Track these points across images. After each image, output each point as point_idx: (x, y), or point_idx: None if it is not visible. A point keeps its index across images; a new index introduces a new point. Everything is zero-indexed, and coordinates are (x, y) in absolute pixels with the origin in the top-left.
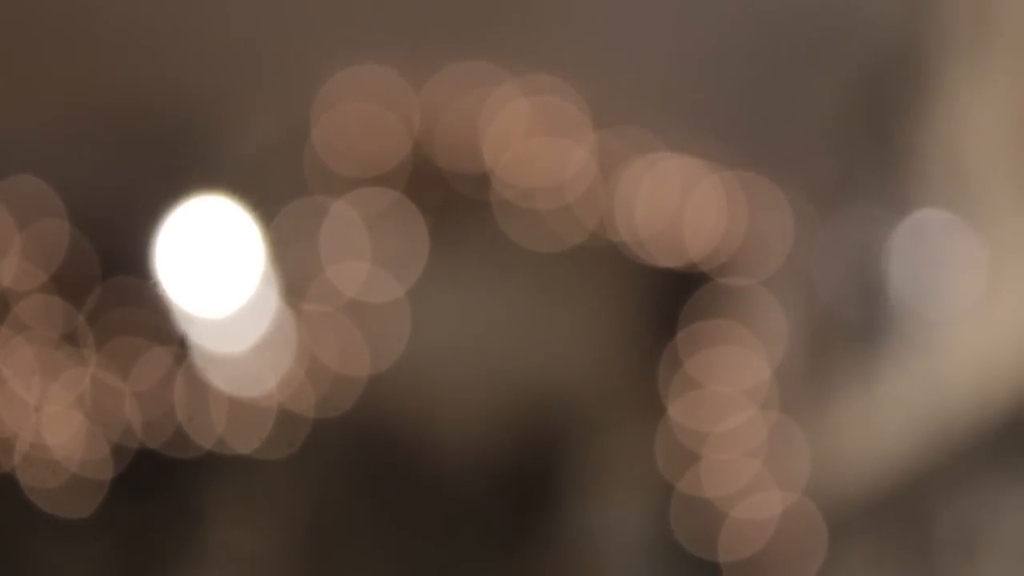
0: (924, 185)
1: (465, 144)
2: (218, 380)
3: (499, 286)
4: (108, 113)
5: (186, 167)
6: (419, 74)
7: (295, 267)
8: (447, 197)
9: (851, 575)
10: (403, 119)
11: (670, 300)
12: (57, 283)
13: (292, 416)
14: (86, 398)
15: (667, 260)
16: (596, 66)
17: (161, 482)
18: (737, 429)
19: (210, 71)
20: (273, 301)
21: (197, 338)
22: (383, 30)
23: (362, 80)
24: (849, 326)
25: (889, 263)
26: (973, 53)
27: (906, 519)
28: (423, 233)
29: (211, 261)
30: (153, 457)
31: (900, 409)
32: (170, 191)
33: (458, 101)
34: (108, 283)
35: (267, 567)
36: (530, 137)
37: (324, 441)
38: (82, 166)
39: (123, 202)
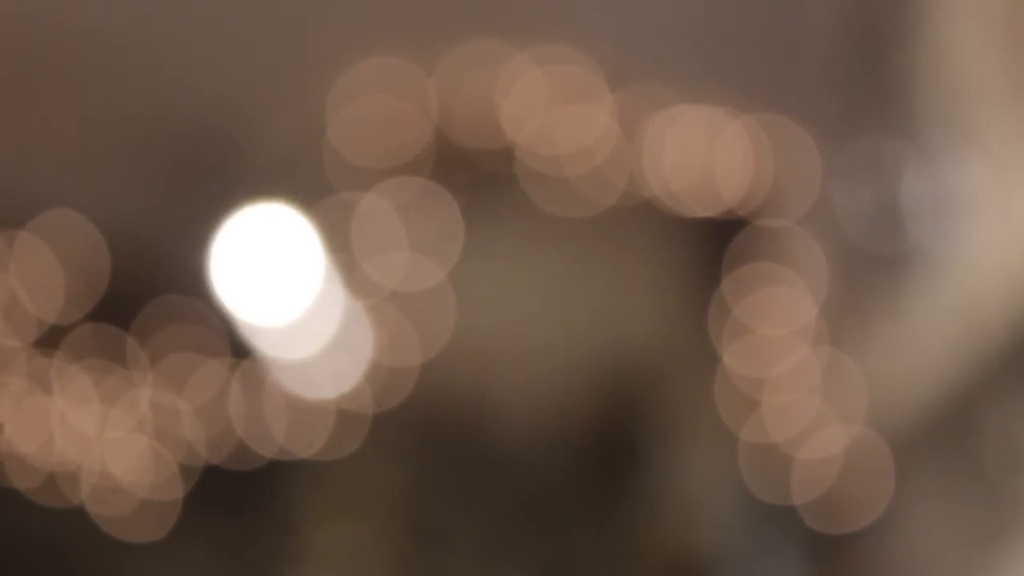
0: (927, 106)
1: (485, 122)
2: (284, 386)
3: (539, 257)
4: (133, 135)
5: (217, 178)
6: (429, 59)
7: (333, 265)
8: (474, 176)
9: (916, 500)
10: (420, 106)
11: (710, 248)
12: (104, 310)
13: (351, 414)
14: (147, 420)
15: (702, 209)
16: (602, 29)
17: (232, 495)
18: (792, 370)
19: (227, 82)
20: (339, 299)
21: (260, 347)
22: (387, 21)
23: (374, 73)
24: (878, 256)
25: (905, 189)
26: None
27: (956, 439)
28: (456, 215)
29: (268, 268)
30: (220, 471)
31: (936, 331)
32: (204, 204)
33: (471, 81)
34: (155, 303)
35: (355, 563)
36: (548, 107)
37: (389, 433)
38: (114, 191)
39: (160, 221)
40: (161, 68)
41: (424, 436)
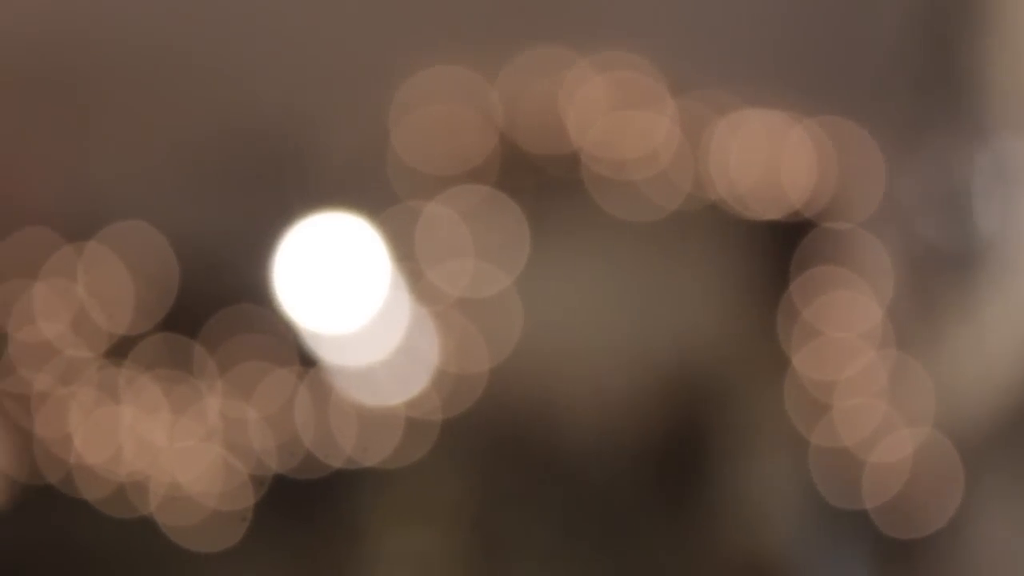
0: (996, 104)
1: (549, 128)
2: (352, 394)
3: (605, 262)
4: (199, 146)
5: (283, 187)
6: (492, 67)
7: (399, 273)
8: (539, 182)
9: (985, 504)
10: (484, 113)
11: (775, 252)
12: (173, 319)
13: (418, 421)
14: (216, 430)
15: (767, 212)
16: (663, 34)
17: (300, 504)
18: (860, 373)
19: (293, 92)
20: (405, 307)
21: (326, 355)
22: (449, 29)
23: (438, 81)
24: (947, 256)
25: (974, 189)
26: None
27: None
28: (521, 221)
29: (334, 276)
30: (288, 480)
31: (1004, 332)
32: (271, 213)
33: (535, 87)
34: (223, 313)
35: (422, 571)
36: (611, 112)
37: (456, 440)
38: (182, 202)
39: (227, 231)
40: (227, 79)
41: (491, 443)
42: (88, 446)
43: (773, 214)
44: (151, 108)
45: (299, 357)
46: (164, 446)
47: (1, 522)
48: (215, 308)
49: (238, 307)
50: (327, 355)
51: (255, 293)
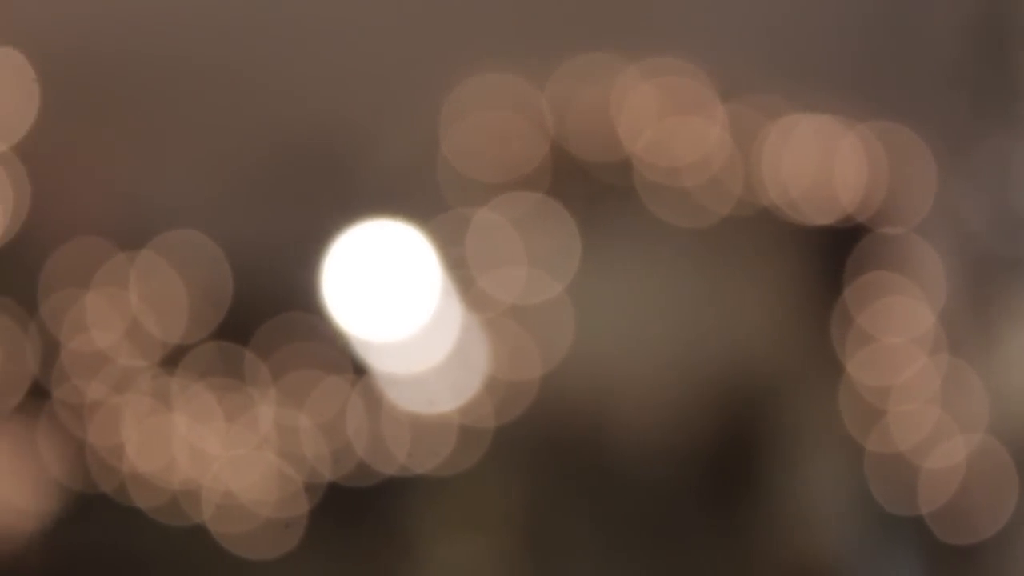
0: None
1: (600, 134)
2: (402, 402)
3: (657, 268)
4: (249, 153)
5: (333, 195)
6: (541, 73)
7: (449, 281)
8: (591, 188)
9: None
10: (534, 120)
11: (830, 257)
12: (226, 327)
13: (471, 428)
14: (270, 438)
15: (820, 217)
16: (713, 40)
17: (352, 511)
18: (913, 379)
19: (342, 99)
20: (455, 314)
21: (377, 363)
22: (497, 36)
23: (487, 88)
24: (1000, 261)
25: None
26: None
27: None
28: (573, 227)
29: (385, 284)
30: (340, 488)
31: None
32: (321, 221)
33: (584, 94)
34: (276, 320)
35: None
36: (662, 118)
37: (508, 447)
38: (233, 210)
39: (278, 239)
40: (277, 88)
41: (543, 450)
42: (141, 455)
43: (825, 219)
44: (202, 118)
45: (352, 364)
46: (217, 454)
47: (55, 530)
48: (267, 316)
49: (290, 315)
50: (378, 363)
51: (307, 301)
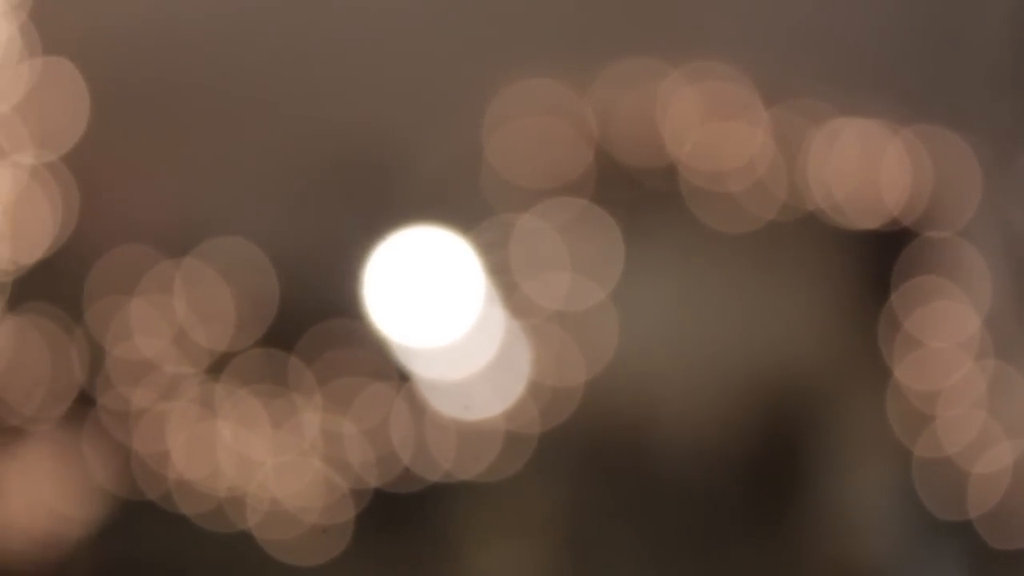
0: None
1: (643, 139)
2: (449, 409)
3: (702, 274)
4: (294, 160)
5: (377, 201)
6: (583, 79)
7: (492, 287)
8: (635, 194)
9: None
10: (578, 125)
11: (876, 261)
12: (271, 334)
13: (515, 434)
14: (316, 444)
15: (865, 222)
16: (756, 44)
17: (396, 518)
18: (959, 383)
19: (384, 105)
20: (499, 320)
21: (420, 369)
22: (539, 42)
23: (530, 94)
24: None
25: None
26: None
27: None
28: (616, 233)
29: (428, 290)
30: (384, 494)
31: None
32: (365, 227)
33: (627, 99)
34: (320, 327)
35: None
36: (705, 123)
37: (552, 453)
38: (277, 217)
39: (322, 245)
40: (320, 94)
41: (587, 455)
42: (187, 462)
43: (870, 223)
44: (247, 126)
45: (397, 371)
46: (263, 461)
47: (100, 537)
48: (312, 322)
49: (335, 321)
50: (421, 369)
51: (352, 307)
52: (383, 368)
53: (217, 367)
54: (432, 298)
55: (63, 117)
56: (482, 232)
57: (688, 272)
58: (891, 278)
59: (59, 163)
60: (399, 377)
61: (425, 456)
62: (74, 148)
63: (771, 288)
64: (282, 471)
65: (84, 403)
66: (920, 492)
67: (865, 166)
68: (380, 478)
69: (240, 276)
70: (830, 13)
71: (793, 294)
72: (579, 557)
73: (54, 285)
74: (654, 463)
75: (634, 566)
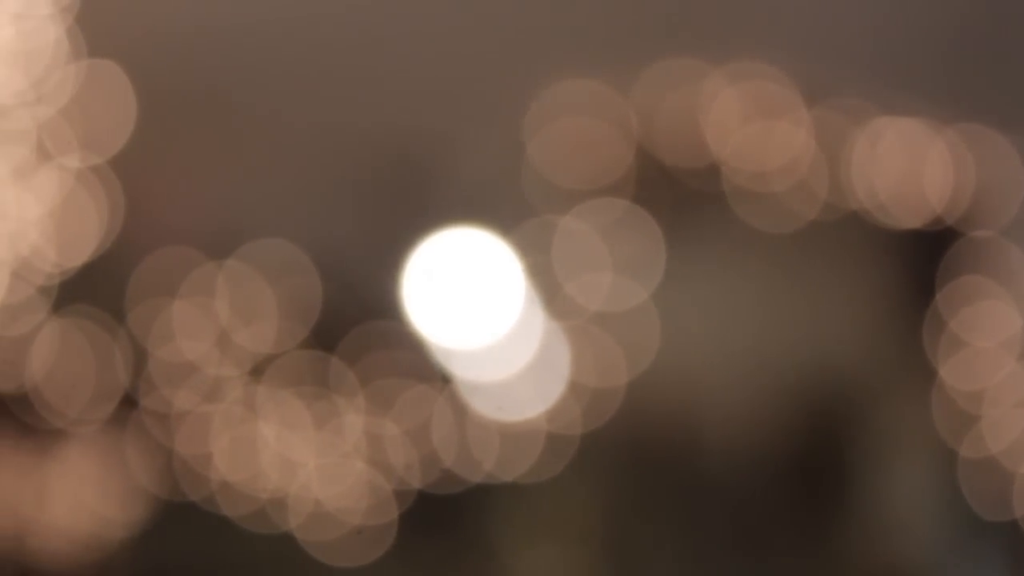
0: None
1: (685, 140)
2: (486, 410)
3: (744, 274)
4: (336, 163)
5: (420, 203)
6: (625, 79)
7: (536, 287)
8: (677, 194)
9: None
10: (619, 126)
11: (917, 261)
12: (313, 336)
13: (556, 436)
14: (359, 446)
15: (908, 221)
16: (796, 45)
17: (438, 519)
18: (1006, 383)
19: (427, 107)
20: (538, 322)
21: (461, 371)
22: (581, 43)
23: (572, 95)
24: None
25: None
26: None
27: None
28: (658, 233)
29: (470, 291)
30: (426, 495)
31: None
32: (407, 229)
33: (669, 100)
34: (362, 328)
35: None
36: (747, 123)
37: (594, 454)
38: (319, 219)
39: (365, 247)
40: (362, 97)
41: (628, 456)
42: (230, 463)
43: (913, 223)
44: (289, 129)
45: (439, 372)
46: (306, 462)
47: (143, 539)
48: (353, 324)
49: (377, 323)
50: (462, 370)
51: (393, 309)
52: (425, 369)
53: (259, 369)
54: (473, 299)
55: (109, 120)
56: (524, 233)
57: (730, 272)
58: (935, 278)
59: (105, 166)
60: (441, 379)
61: (467, 457)
62: (120, 151)
63: (814, 288)
64: (325, 472)
65: (127, 405)
66: (965, 492)
67: (908, 165)
68: (422, 479)
69: (282, 278)
70: (872, 13)
71: (836, 294)
72: (620, 559)
73: (98, 288)
74: (696, 464)
75: (676, 567)
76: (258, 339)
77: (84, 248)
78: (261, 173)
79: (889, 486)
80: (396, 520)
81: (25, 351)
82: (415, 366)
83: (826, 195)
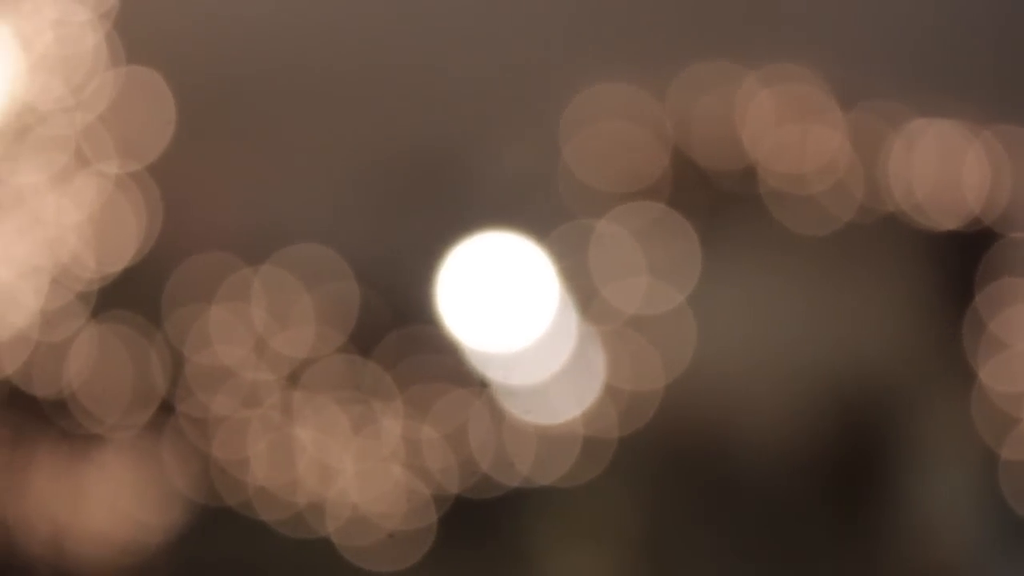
0: None
1: (721, 143)
2: (522, 414)
3: (780, 277)
4: (372, 169)
5: (456, 207)
6: (660, 83)
7: (571, 291)
8: (712, 197)
9: None
10: (654, 129)
11: (953, 262)
12: (350, 340)
13: (593, 440)
14: (397, 451)
15: (945, 223)
16: (831, 47)
17: (474, 524)
18: None
19: (462, 111)
20: (573, 326)
21: (498, 375)
22: (616, 47)
23: (606, 98)
24: None
25: None
26: None
27: None
28: (694, 237)
29: (506, 295)
30: (463, 500)
31: None
32: (443, 233)
33: (704, 103)
34: (399, 333)
35: None
36: (782, 125)
37: (630, 458)
38: (355, 224)
39: (401, 251)
40: (398, 102)
41: (665, 460)
42: (268, 469)
43: (950, 224)
44: (325, 134)
45: (477, 376)
46: (343, 467)
47: (181, 544)
48: (390, 329)
49: (414, 327)
50: (498, 374)
51: (430, 313)
52: (463, 374)
53: (296, 374)
54: (509, 303)
55: (147, 126)
56: (559, 237)
57: (766, 275)
58: (973, 279)
59: (143, 172)
60: (479, 383)
61: (504, 462)
62: (157, 157)
63: (851, 290)
64: (362, 477)
65: (164, 411)
66: (1006, 495)
67: (945, 167)
68: (460, 484)
69: (319, 283)
70: (907, 15)
71: (874, 296)
72: (657, 562)
73: (136, 293)
74: (733, 468)
75: (713, 571)
76: (295, 344)
77: (122, 254)
78: (298, 178)
79: (929, 489)
80: (434, 524)
81: (64, 357)
82: (452, 371)
83: (863, 197)
